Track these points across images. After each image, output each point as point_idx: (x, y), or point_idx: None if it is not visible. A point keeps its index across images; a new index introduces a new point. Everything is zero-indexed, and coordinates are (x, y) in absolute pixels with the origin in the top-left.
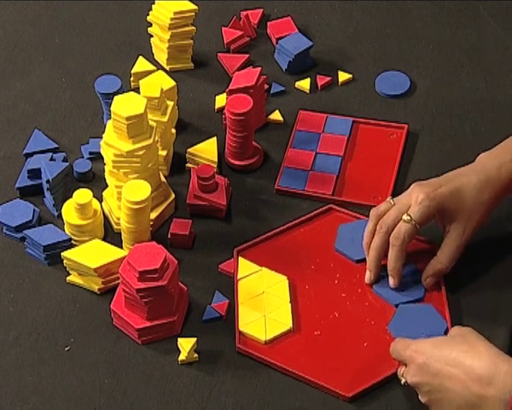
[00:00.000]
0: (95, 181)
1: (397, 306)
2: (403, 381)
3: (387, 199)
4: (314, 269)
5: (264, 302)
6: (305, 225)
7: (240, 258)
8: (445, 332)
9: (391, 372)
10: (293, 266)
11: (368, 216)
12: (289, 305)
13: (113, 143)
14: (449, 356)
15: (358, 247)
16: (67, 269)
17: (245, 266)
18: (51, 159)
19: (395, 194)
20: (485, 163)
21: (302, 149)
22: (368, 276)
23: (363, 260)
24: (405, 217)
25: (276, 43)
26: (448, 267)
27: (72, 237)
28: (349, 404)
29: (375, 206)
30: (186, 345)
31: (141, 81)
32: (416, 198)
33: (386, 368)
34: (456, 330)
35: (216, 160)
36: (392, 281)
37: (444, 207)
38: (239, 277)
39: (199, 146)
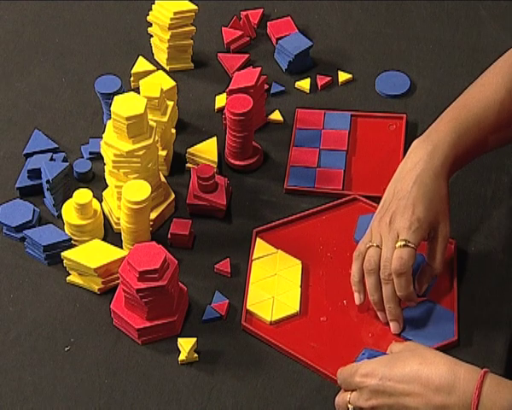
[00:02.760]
0: (95, 181)
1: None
2: (351, 408)
3: (370, 244)
4: (330, 256)
5: (274, 284)
6: (327, 212)
7: (258, 239)
8: (453, 324)
9: None
10: (310, 251)
11: None
12: (299, 289)
13: (113, 143)
14: (403, 372)
15: None
16: (67, 269)
17: (261, 247)
18: (51, 159)
19: None
20: (426, 157)
21: (305, 147)
22: (396, 326)
23: None
24: (401, 243)
25: (276, 43)
26: (441, 270)
27: (72, 237)
28: None
29: None
30: (186, 345)
31: (141, 81)
32: (403, 228)
33: None
34: (400, 347)
35: (216, 160)
36: (413, 304)
37: (429, 223)
38: (254, 257)
39: (199, 146)
